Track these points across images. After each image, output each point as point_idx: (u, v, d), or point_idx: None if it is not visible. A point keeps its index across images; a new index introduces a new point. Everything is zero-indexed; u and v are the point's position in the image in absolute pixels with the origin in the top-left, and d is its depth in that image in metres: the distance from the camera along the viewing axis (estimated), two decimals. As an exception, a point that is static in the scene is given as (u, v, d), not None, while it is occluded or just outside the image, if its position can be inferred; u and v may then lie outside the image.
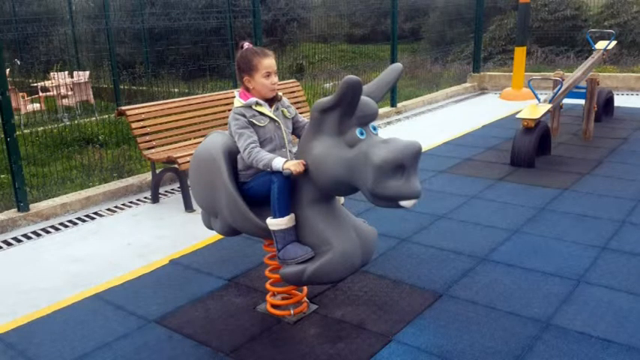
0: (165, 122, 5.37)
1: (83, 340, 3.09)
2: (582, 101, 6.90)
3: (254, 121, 2.96)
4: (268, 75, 2.98)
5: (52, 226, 4.88)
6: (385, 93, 3.01)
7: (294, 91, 6.48)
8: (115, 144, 7.74)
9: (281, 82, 6.17)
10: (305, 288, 3.31)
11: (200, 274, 3.83)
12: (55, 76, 10.44)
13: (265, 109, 3.00)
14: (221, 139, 3.12)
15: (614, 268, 3.67)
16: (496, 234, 4.26)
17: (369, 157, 2.53)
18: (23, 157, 5.51)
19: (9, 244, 4.56)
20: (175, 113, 5.47)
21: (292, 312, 3.21)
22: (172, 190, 5.75)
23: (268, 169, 2.85)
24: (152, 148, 5.18)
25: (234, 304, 3.41)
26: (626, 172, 5.59)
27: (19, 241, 4.61)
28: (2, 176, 6.37)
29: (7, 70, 10.25)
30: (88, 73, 10.78)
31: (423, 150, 4.86)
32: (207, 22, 11.98)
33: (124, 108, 5.24)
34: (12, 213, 4.92)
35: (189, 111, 5.59)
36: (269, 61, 2.98)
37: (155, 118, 5.31)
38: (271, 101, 3.05)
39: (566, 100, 7.09)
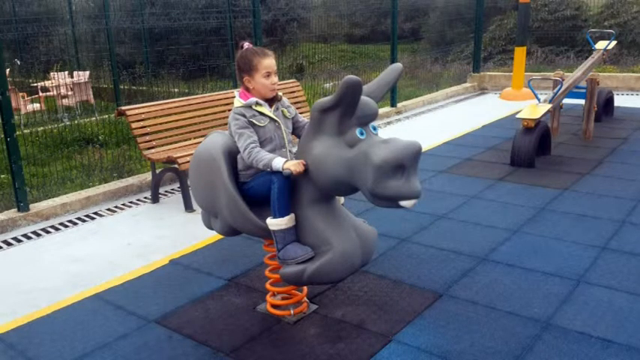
0: (165, 122, 5.37)
1: (83, 340, 3.09)
2: (582, 101, 6.90)
3: (254, 121, 2.96)
4: (268, 75, 2.98)
5: (52, 226, 4.88)
6: (385, 93, 3.01)
7: (294, 91, 6.48)
8: (115, 144, 7.74)
9: (281, 82, 6.17)
10: (305, 288, 3.31)
11: (200, 274, 3.83)
12: (55, 76, 10.44)
13: (265, 109, 3.00)
14: (221, 139, 3.12)
15: (614, 268, 3.67)
16: (496, 234, 4.26)
17: (369, 157, 2.53)
18: (23, 157, 5.51)
19: (9, 244, 4.56)
20: (175, 113, 5.47)
21: (292, 312, 3.21)
22: (172, 190, 5.75)
23: (268, 169, 2.85)
24: (152, 148, 5.18)
25: (234, 304, 3.41)
26: (626, 172, 5.59)
27: (19, 241, 4.61)
28: (2, 176, 6.38)
29: (7, 70, 10.25)
30: (88, 73, 10.78)
31: (423, 150, 4.86)
32: (207, 22, 11.98)
33: (124, 108, 5.24)
34: (12, 213, 4.92)
35: (189, 111, 5.59)
36: (269, 61, 2.98)
37: (155, 118, 5.31)
38: (271, 101, 3.05)
39: (566, 100, 7.09)
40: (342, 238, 2.85)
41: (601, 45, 8.18)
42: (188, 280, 3.74)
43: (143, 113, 5.22)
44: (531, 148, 5.87)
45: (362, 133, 2.68)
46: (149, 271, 3.90)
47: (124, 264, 4.06)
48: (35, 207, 5.05)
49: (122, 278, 3.81)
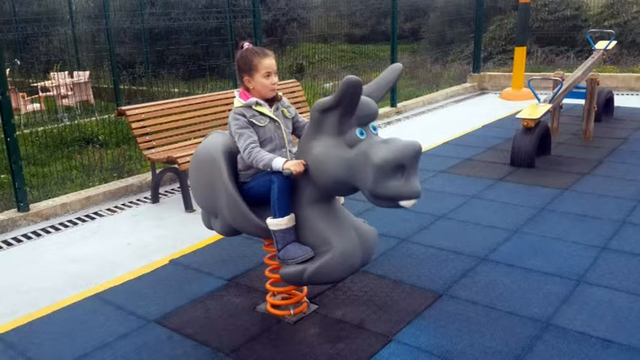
0: (165, 122, 5.37)
1: (83, 340, 3.09)
2: (582, 101, 6.90)
3: (254, 121, 2.96)
4: (268, 75, 2.98)
5: (52, 226, 4.88)
6: (385, 93, 3.01)
7: (294, 91, 6.48)
8: (115, 144, 7.74)
9: (281, 82, 6.17)
10: (305, 288, 3.31)
11: (200, 274, 3.83)
12: (55, 76, 10.44)
13: (265, 109, 3.00)
14: (221, 139, 3.12)
15: (614, 268, 3.67)
16: (496, 234, 4.26)
17: (369, 157, 2.53)
18: (23, 157, 5.51)
19: (9, 244, 4.56)
20: (175, 113, 5.47)
21: (292, 312, 3.21)
22: (172, 190, 5.75)
23: (268, 169, 2.85)
24: (152, 148, 5.18)
25: (234, 304, 3.41)
26: (626, 172, 5.59)
27: (19, 241, 4.61)
28: (2, 176, 6.38)
29: (7, 70, 10.25)
30: (88, 73, 10.78)
31: (423, 150, 4.85)
32: (207, 22, 11.98)
33: (123, 108, 5.24)
34: (12, 213, 4.92)
35: (189, 111, 5.59)
36: (269, 61, 2.99)
37: (155, 118, 5.31)
38: (271, 101, 3.05)
39: (566, 100, 7.09)
40: (342, 238, 2.85)
41: (601, 45, 8.18)
42: (188, 280, 3.74)
43: (143, 113, 5.22)
44: (531, 148, 5.87)
45: (362, 133, 2.68)
46: (149, 271, 3.90)
47: (124, 264, 4.06)
48: (35, 207, 5.05)
49: (122, 278, 3.81)
